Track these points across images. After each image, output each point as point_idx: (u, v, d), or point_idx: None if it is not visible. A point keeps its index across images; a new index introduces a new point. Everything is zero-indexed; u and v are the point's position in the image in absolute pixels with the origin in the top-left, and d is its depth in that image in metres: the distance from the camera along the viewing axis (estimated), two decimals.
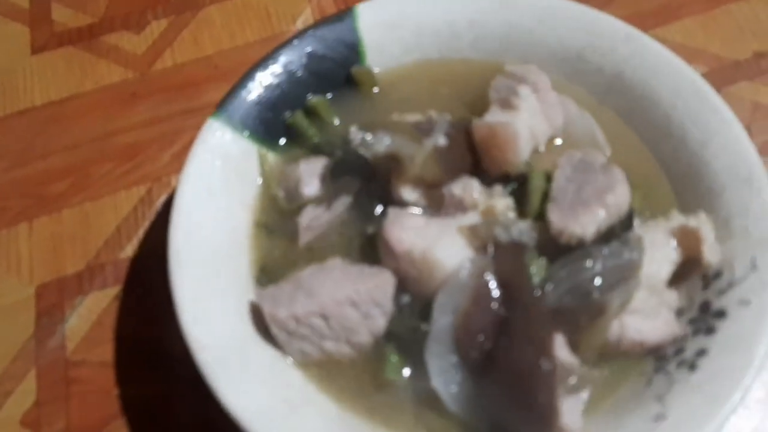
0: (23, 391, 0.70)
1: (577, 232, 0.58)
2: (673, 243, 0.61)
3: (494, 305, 0.56)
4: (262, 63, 0.70)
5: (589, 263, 0.56)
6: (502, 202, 0.62)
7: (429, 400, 0.57)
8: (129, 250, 0.78)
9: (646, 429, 0.54)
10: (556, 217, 0.59)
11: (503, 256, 0.58)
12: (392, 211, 0.61)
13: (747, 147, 0.64)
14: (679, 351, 0.58)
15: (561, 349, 0.54)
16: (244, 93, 0.69)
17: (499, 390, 0.54)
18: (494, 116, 0.63)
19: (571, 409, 0.53)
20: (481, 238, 0.59)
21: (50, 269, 0.77)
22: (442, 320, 0.56)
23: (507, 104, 0.64)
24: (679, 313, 0.60)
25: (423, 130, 0.64)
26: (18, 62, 0.92)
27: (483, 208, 0.62)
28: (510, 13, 0.73)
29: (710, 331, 0.58)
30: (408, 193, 0.64)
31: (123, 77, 0.90)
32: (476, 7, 0.74)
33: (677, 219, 0.62)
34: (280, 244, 0.66)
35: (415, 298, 0.60)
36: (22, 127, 0.87)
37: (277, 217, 0.67)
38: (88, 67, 0.92)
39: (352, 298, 0.57)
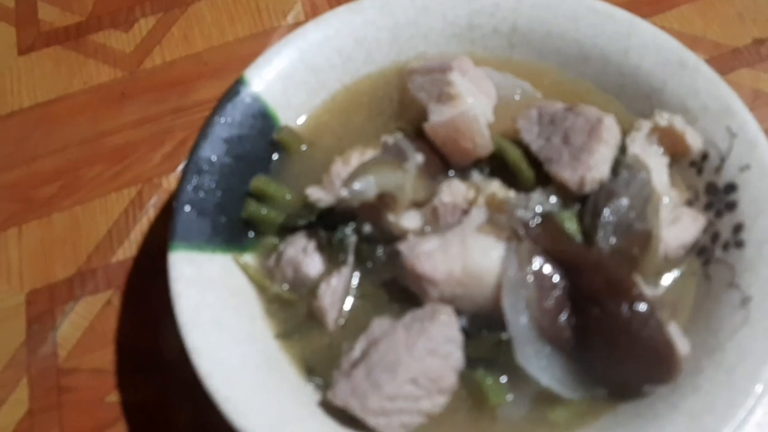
0: (15, 401, 0.69)
1: (596, 177, 0.59)
2: (656, 147, 0.64)
3: (560, 281, 0.55)
4: (186, 171, 0.64)
5: (617, 199, 0.58)
6: (496, 187, 0.61)
7: (542, 398, 0.56)
8: (120, 253, 0.76)
9: (740, 317, 0.56)
10: (567, 173, 0.59)
11: (540, 233, 0.57)
12: (404, 247, 0.59)
13: (665, 37, 0.68)
14: (715, 237, 0.62)
15: (643, 286, 0.54)
16: (186, 209, 0.62)
17: (606, 354, 0.54)
18: (442, 112, 0.62)
19: (675, 336, 0.54)
20: (505, 228, 0.58)
21: (40, 275, 0.75)
22: (519, 320, 0.55)
23: (445, 97, 0.62)
24: (689, 204, 0.64)
25: (395, 154, 0.63)
26: (4, 63, 0.91)
27: (485, 201, 0.61)
28: (388, 19, 0.72)
29: (731, 206, 0.61)
30: (407, 221, 0.62)
31: (112, 77, 0.89)
32: (355, 25, 0.72)
33: (646, 125, 0.64)
34: (312, 339, 0.62)
35: (473, 317, 0.58)
36: (9, 130, 0.86)
37: (291, 313, 0.63)
38: (76, 67, 0.90)
39: (428, 347, 0.55)
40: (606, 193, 0.59)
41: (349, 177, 0.59)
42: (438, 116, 0.63)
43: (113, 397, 0.68)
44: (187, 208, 0.62)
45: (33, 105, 0.87)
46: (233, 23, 0.92)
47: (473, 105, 0.62)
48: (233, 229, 0.65)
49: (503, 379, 0.58)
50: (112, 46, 0.91)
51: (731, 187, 0.62)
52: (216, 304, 0.60)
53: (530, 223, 0.58)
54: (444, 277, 0.57)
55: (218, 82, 0.87)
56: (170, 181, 0.80)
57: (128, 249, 0.76)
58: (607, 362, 0.54)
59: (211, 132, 0.66)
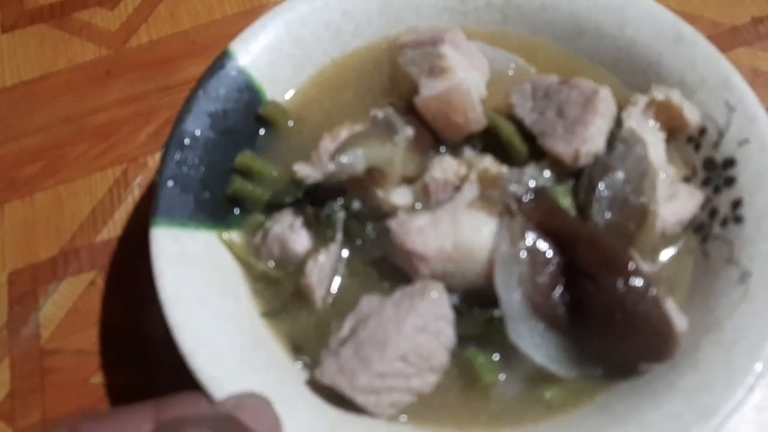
0: None
1: (591, 149, 0.58)
2: (653, 122, 0.63)
3: (553, 256, 0.54)
4: (169, 145, 0.62)
5: (613, 172, 0.57)
6: (488, 162, 0.60)
7: (536, 376, 0.55)
8: (105, 233, 0.74)
9: (738, 294, 0.55)
10: (561, 147, 0.58)
11: (533, 207, 0.56)
12: (393, 223, 0.57)
13: (662, 10, 0.67)
14: (713, 213, 0.61)
15: (639, 261, 0.53)
16: (169, 184, 0.60)
17: (602, 331, 0.52)
18: (434, 86, 0.61)
19: (673, 313, 0.52)
20: (498, 203, 0.57)
21: (23, 255, 0.74)
22: (512, 297, 0.54)
23: (437, 70, 0.61)
24: (686, 181, 0.63)
25: (384, 128, 0.61)
26: None
27: (477, 176, 0.59)
28: None
29: (730, 182, 0.60)
30: (398, 196, 0.60)
31: (97, 55, 0.87)
32: None
33: (643, 99, 0.63)
34: (299, 318, 0.60)
35: (465, 294, 0.57)
36: None
37: (278, 291, 0.61)
38: (60, 45, 0.88)
39: (418, 324, 0.53)
40: (601, 166, 0.58)
41: (336, 150, 0.58)
42: (429, 90, 0.61)
43: (97, 378, 0.66)
44: (170, 184, 0.60)
45: (16, 83, 0.85)
46: (221, 0, 0.90)
47: (465, 78, 0.61)
48: (218, 205, 0.63)
49: (496, 357, 0.56)
50: (98, 24, 0.89)
51: (730, 162, 0.61)
52: (200, 281, 0.58)
53: (523, 198, 0.56)
54: (434, 253, 0.55)
55: (206, 61, 0.82)
56: (156, 161, 0.78)
57: (113, 229, 0.75)
58: (603, 339, 0.53)
59: (195, 106, 0.64)
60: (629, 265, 0.52)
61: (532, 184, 0.58)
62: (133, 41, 0.87)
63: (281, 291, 0.61)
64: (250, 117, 0.67)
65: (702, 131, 0.63)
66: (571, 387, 0.55)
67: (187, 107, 0.64)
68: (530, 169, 0.59)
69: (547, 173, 0.59)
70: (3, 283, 0.72)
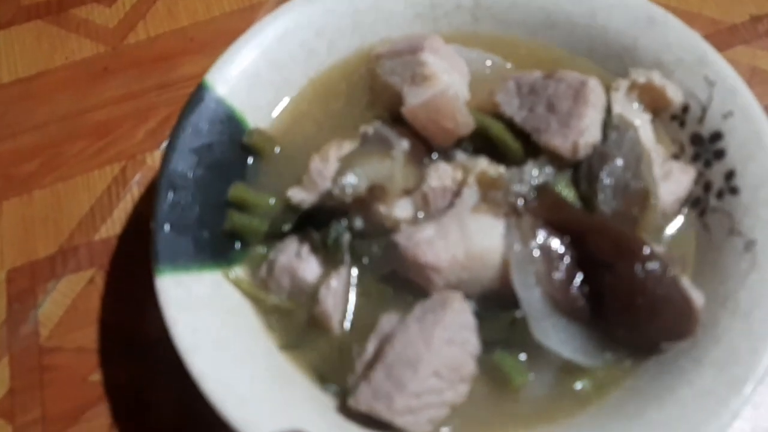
0: None
1: (589, 141, 0.58)
2: (637, 105, 0.64)
3: (566, 250, 0.55)
4: (160, 188, 0.60)
5: (612, 160, 0.58)
6: (484, 164, 0.59)
7: (564, 370, 0.56)
8: (104, 231, 0.74)
9: (747, 262, 0.56)
10: (558, 141, 0.58)
11: (539, 204, 0.56)
12: (400, 238, 0.56)
13: None
14: (708, 187, 0.62)
15: (653, 245, 0.54)
16: (166, 229, 0.59)
17: (625, 318, 0.53)
18: (419, 94, 0.60)
19: (689, 290, 0.53)
20: (502, 204, 0.57)
21: (21, 253, 0.74)
22: (532, 296, 0.54)
23: (419, 78, 0.60)
24: (676, 158, 0.64)
25: (379, 144, 0.60)
26: None
27: (476, 180, 0.59)
28: (347, 5, 0.70)
29: (719, 154, 0.62)
30: (400, 210, 0.59)
31: (94, 52, 0.87)
32: (315, 16, 0.69)
33: (624, 83, 0.64)
34: (319, 346, 0.59)
35: (482, 299, 0.57)
36: None
37: (292, 323, 0.59)
38: (57, 41, 0.88)
39: (445, 337, 0.53)
40: (599, 156, 0.58)
41: (337, 172, 0.56)
42: (415, 98, 0.60)
43: (96, 376, 0.66)
44: (167, 228, 0.59)
45: (13, 80, 0.85)
46: None
47: (450, 83, 0.60)
48: (218, 242, 0.61)
49: (522, 357, 0.56)
50: (95, 21, 0.89)
51: (717, 136, 0.62)
52: (214, 324, 0.57)
53: (527, 196, 0.56)
54: (447, 263, 0.55)
55: (203, 58, 0.84)
56: (154, 158, 0.79)
57: (111, 227, 0.75)
58: (626, 326, 0.54)
59: (179, 144, 0.62)
60: (644, 250, 0.53)
61: (533, 181, 0.58)
62: (130, 38, 0.87)
63: (296, 321, 0.60)
64: (237, 147, 0.65)
65: (685, 108, 0.65)
66: (599, 375, 0.56)
67: (172, 146, 0.62)
68: (530, 167, 0.59)
69: (547, 169, 0.59)
70: (2, 281, 0.72)
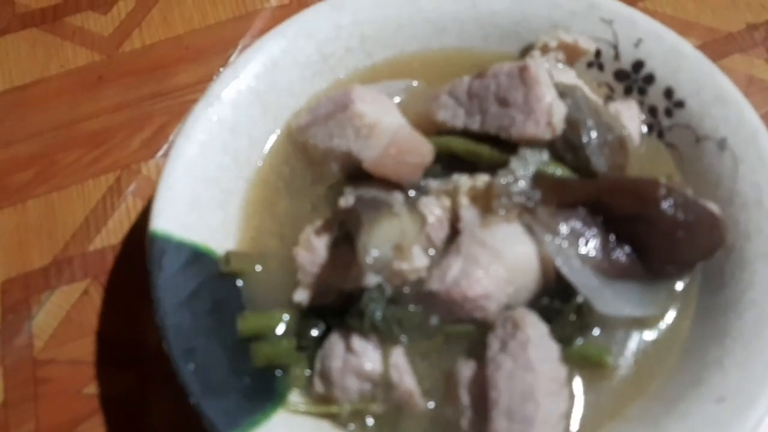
0: None
1: (560, 115, 0.58)
2: (561, 66, 0.67)
3: (591, 221, 0.56)
4: (178, 366, 0.54)
5: (584, 123, 0.59)
6: (466, 180, 0.59)
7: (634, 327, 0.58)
8: (98, 242, 0.74)
9: (729, 159, 0.61)
10: (532, 128, 0.58)
11: (545, 193, 0.57)
12: (434, 284, 0.55)
13: None
14: (653, 111, 0.67)
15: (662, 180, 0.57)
16: (211, 402, 0.54)
17: (670, 255, 0.56)
18: (373, 146, 0.58)
19: (707, 204, 0.58)
20: (509, 208, 0.57)
21: (15, 263, 0.73)
22: (584, 276, 0.55)
23: (365, 131, 0.59)
24: (609, 99, 0.68)
25: (373, 209, 0.56)
26: None
27: (470, 197, 0.59)
28: (254, 96, 0.67)
29: (649, 79, 0.67)
30: (419, 260, 0.55)
31: (89, 60, 0.86)
32: (224, 115, 0.65)
33: (536, 53, 0.67)
34: (413, 428, 0.56)
35: (535, 303, 0.57)
36: None
37: (375, 419, 0.56)
38: (52, 50, 0.87)
39: (540, 356, 0.52)
40: (569, 125, 0.59)
41: (359, 253, 0.52)
42: (372, 151, 0.59)
43: (90, 389, 0.66)
44: (210, 399, 0.53)
45: (8, 89, 0.85)
46: (215, 5, 0.89)
47: (393, 119, 0.60)
48: (261, 382, 0.57)
49: (596, 332, 0.57)
50: (90, 29, 0.89)
51: (639, 64, 0.67)
52: None
53: (528, 191, 0.57)
54: (494, 285, 0.54)
55: (199, 66, 0.84)
56: (149, 168, 0.78)
57: (106, 237, 0.74)
58: (673, 260, 0.56)
59: (168, 310, 0.56)
60: (660, 189, 0.55)
61: (528, 174, 0.58)
62: (126, 46, 0.87)
63: (376, 416, 0.56)
64: (220, 279, 0.60)
65: (597, 53, 0.68)
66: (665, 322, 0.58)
67: (162, 318, 0.56)
68: (516, 162, 0.58)
69: (531, 158, 0.59)
70: None
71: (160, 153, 0.79)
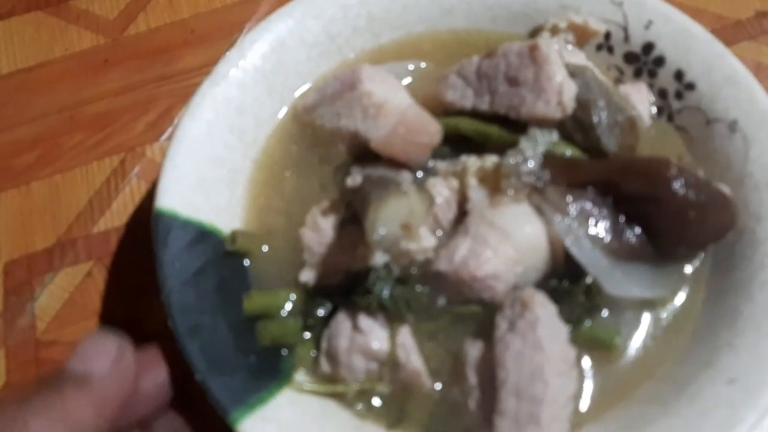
0: None
1: (571, 94, 0.58)
2: (571, 47, 0.66)
3: (602, 201, 0.56)
4: (184, 345, 0.53)
5: (595, 103, 0.59)
6: (475, 161, 0.58)
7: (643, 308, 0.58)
8: (102, 224, 0.74)
9: (739, 141, 0.61)
10: (542, 108, 0.58)
11: (554, 172, 0.56)
12: (442, 265, 0.54)
13: None
14: (663, 93, 0.66)
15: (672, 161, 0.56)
16: (218, 380, 0.53)
17: (681, 235, 0.56)
18: (381, 125, 0.58)
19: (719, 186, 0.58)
20: (519, 188, 0.56)
21: (18, 245, 0.73)
22: (594, 257, 0.55)
23: (373, 110, 0.58)
24: (619, 82, 0.68)
25: (381, 187, 0.55)
26: None
27: (478, 178, 0.58)
28: (260, 75, 0.66)
29: (659, 61, 0.66)
30: (426, 240, 0.55)
31: (94, 43, 0.86)
32: (230, 95, 0.64)
33: (546, 35, 0.66)
34: (422, 409, 0.55)
35: (543, 283, 0.56)
36: None
37: (383, 399, 0.56)
38: (57, 33, 0.87)
39: (548, 334, 0.51)
40: (580, 105, 0.58)
41: (367, 231, 0.51)
42: (380, 131, 0.58)
43: None
44: (215, 376, 0.53)
45: (12, 71, 0.84)
46: None
47: (401, 99, 0.59)
48: (268, 360, 0.56)
49: (605, 313, 0.57)
50: (95, 12, 0.88)
51: (649, 46, 0.66)
52: None
53: (537, 171, 0.56)
54: (504, 265, 0.53)
55: (204, 50, 0.84)
56: (154, 150, 0.78)
57: (110, 219, 0.74)
58: (685, 241, 0.56)
59: (173, 288, 0.55)
60: (671, 169, 0.54)
61: (538, 154, 0.57)
62: (131, 29, 0.86)
63: (383, 396, 0.56)
64: (226, 258, 0.60)
65: (607, 35, 0.68)
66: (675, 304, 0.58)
67: (168, 295, 0.55)
68: (525, 144, 0.58)
69: (541, 138, 0.58)
70: None
71: (165, 136, 0.79)
